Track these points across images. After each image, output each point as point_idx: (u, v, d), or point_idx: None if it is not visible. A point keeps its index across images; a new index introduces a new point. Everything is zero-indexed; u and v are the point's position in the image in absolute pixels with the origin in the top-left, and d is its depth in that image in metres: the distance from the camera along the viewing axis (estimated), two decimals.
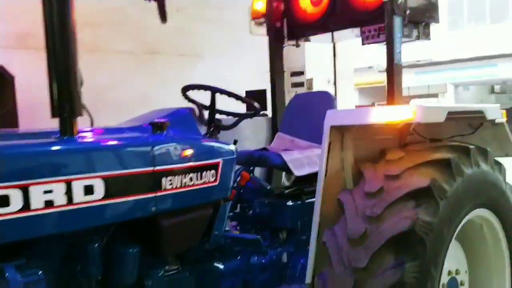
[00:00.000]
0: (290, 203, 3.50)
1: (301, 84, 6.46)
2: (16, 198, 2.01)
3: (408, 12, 3.48)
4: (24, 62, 4.58)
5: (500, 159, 3.34)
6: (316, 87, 6.60)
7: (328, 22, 4.07)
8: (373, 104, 26.27)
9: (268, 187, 3.70)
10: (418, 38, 3.78)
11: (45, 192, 2.09)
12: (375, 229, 2.59)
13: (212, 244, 2.89)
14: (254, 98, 3.57)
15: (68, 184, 2.16)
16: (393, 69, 3.45)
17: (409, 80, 21.70)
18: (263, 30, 6.67)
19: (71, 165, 2.21)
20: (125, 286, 2.55)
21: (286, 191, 3.55)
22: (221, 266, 3.06)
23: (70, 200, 2.16)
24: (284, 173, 4.30)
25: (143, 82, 5.69)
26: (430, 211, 2.60)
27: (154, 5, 3.33)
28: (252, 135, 4.30)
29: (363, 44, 3.91)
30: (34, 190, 2.06)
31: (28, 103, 4.37)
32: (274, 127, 4.32)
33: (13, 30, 4.75)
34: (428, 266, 2.59)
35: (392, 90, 3.46)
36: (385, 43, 3.61)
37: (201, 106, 3.21)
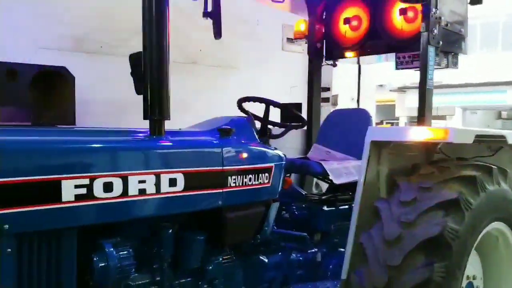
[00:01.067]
0: (325, 208, 3.88)
1: (326, 100, 6.83)
2: (117, 185, 2.41)
3: (441, 43, 3.86)
4: (80, 64, 4.96)
5: None
6: (340, 103, 6.99)
7: (365, 46, 4.46)
8: (381, 122, 26.62)
9: (304, 193, 4.07)
10: (447, 66, 4.15)
11: (140, 181, 2.49)
12: (408, 233, 2.94)
13: (262, 238, 3.27)
14: (289, 111, 3.96)
15: (157, 176, 2.56)
16: (425, 94, 3.81)
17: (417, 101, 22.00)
18: (293, 47, 7.08)
19: (160, 161, 2.61)
20: (189, 269, 2.94)
21: (323, 197, 3.93)
22: (266, 260, 3.43)
23: (158, 190, 2.56)
24: (314, 182, 4.69)
25: (181, 89, 6.05)
26: (457, 220, 2.95)
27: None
28: (286, 144, 4.68)
29: (396, 68, 4.29)
30: (131, 179, 2.46)
31: (84, 102, 4.77)
32: (309, 138, 4.70)
33: (71, 33, 5.12)
34: (454, 268, 2.93)
35: (423, 112, 3.81)
36: (418, 69, 3.99)
37: (253, 116, 3.59)
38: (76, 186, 2.28)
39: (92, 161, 2.38)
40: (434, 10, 3.66)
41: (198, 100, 5.87)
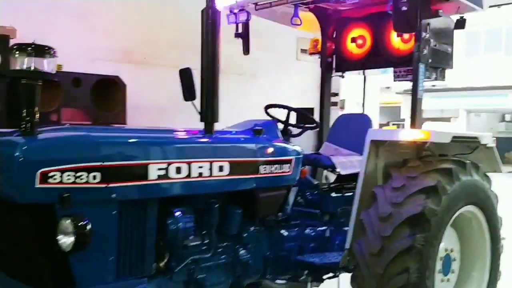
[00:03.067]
0: (333, 194, 4.78)
1: (335, 104, 7.72)
2: (184, 169, 3.32)
3: (430, 60, 4.69)
4: (129, 73, 5.87)
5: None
6: (347, 107, 7.89)
7: (368, 61, 5.35)
8: (388, 123, 27.36)
9: (316, 182, 4.97)
10: (436, 79, 4.99)
11: (199, 167, 3.40)
12: (397, 211, 3.77)
13: (284, 214, 4.18)
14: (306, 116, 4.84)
15: (211, 164, 3.47)
16: (416, 102, 4.66)
17: (424, 104, 22.68)
18: (306, 57, 7.98)
19: (212, 152, 3.52)
20: (229, 235, 3.84)
21: (332, 186, 4.83)
22: (285, 233, 4.32)
23: (211, 174, 3.47)
24: (324, 173, 5.58)
25: None
26: (435, 202, 3.78)
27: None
28: (302, 142, 5.55)
29: (394, 80, 5.18)
30: (193, 165, 3.37)
31: (133, 106, 5.69)
32: (320, 137, 5.58)
33: (121, 46, 6.04)
34: (432, 239, 3.77)
35: (414, 116, 4.66)
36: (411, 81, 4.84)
37: (277, 120, 4.49)
38: (158, 169, 3.18)
39: (168, 151, 3.29)
40: (424, 34, 4.44)
41: (225, 104, 6.77)
